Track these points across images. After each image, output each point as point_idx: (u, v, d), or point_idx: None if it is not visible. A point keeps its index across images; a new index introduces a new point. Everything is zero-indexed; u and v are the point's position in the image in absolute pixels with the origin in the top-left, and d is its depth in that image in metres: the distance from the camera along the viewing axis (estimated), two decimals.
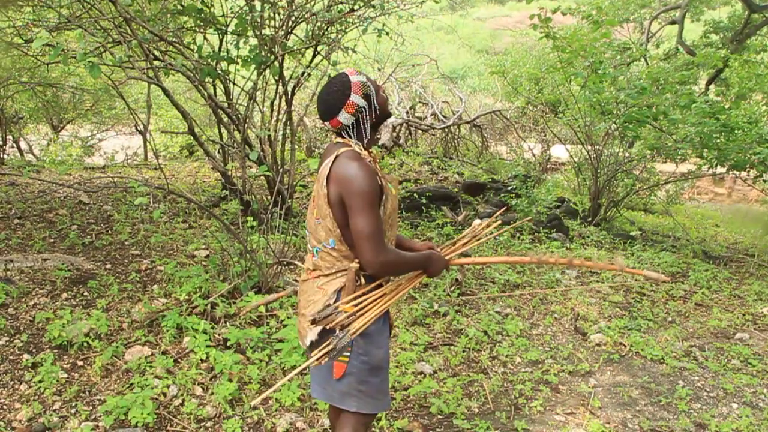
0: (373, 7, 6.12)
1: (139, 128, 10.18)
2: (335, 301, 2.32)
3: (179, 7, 5.99)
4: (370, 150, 2.42)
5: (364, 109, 2.32)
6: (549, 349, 4.79)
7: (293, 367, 3.99)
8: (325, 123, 2.39)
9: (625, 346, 4.89)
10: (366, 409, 2.39)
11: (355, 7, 6.13)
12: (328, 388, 2.40)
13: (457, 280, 5.75)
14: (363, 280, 2.34)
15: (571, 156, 11.24)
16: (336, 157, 2.28)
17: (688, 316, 5.74)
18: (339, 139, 2.38)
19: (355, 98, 2.29)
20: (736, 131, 7.64)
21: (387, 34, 6.45)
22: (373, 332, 2.34)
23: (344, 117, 2.31)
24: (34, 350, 3.99)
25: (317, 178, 2.36)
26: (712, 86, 13.22)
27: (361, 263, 2.28)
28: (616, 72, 8.29)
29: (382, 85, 2.48)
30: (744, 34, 13.03)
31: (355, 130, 2.36)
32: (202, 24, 5.90)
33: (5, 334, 4.12)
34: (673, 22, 14.32)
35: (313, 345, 2.34)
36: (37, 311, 4.42)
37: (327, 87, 2.35)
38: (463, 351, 4.57)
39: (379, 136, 11.60)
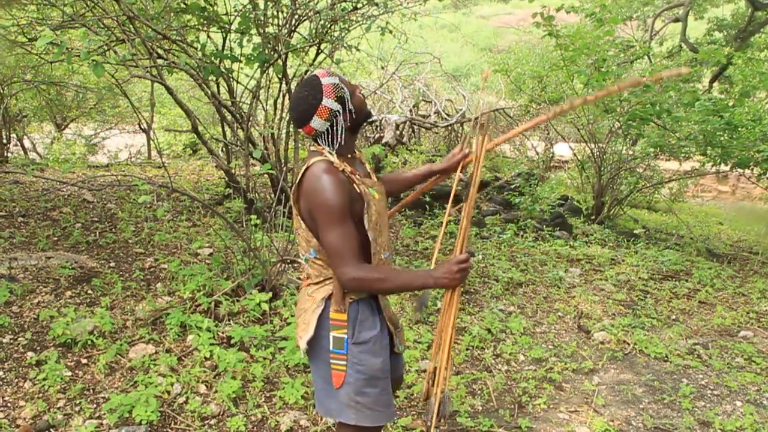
0: (377, 5, 6.11)
1: (142, 126, 10.22)
2: (324, 309, 2.23)
3: (183, 5, 5.99)
4: (351, 153, 2.30)
5: (339, 112, 2.18)
6: (552, 347, 4.79)
7: (297, 365, 4.01)
8: (300, 130, 2.26)
9: (628, 344, 4.89)
10: (366, 422, 2.25)
11: (359, 6, 6.13)
12: (327, 401, 2.29)
13: None
14: None
15: (575, 154, 11.23)
16: (306, 168, 2.17)
17: (692, 314, 5.73)
18: (314, 147, 2.25)
19: (328, 102, 2.15)
20: (739, 129, 7.62)
21: (390, 32, 6.44)
22: (368, 340, 2.23)
23: (318, 123, 2.17)
24: (38, 348, 4.00)
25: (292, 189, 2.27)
26: (715, 84, 13.18)
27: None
28: (619, 70, 8.29)
29: (358, 86, 2.34)
30: (748, 32, 13.00)
31: (330, 135, 2.21)
32: (205, 22, 5.90)
33: (9, 332, 4.13)
34: (676, 20, 14.26)
35: (308, 353, 2.30)
36: (41, 309, 4.43)
37: (297, 92, 2.22)
38: (467, 349, 4.57)
39: (384, 135, 11.58)
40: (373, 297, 2.32)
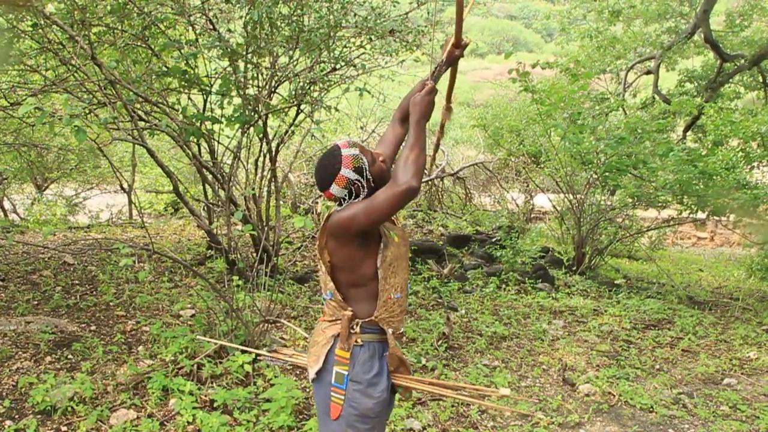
0: (355, 66, 6.24)
1: (124, 187, 10.23)
2: (332, 346, 2.40)
3: (164, 68, 6.09)
4: None
5: (357, 181, 2.33)
6: (538, 401, 4.77)
7: (281, 428, 3.95)
8: (322, 193, 2.42)
9: (614, 395, 4.88)
10: None
11: (337, 67, 6.25)
12: (323, 427, 2.45)
13: (444, 333, 5.75)
14: (358, 329, 2.38)
15: (554, 205, 11.36)
16: (329, 216, 2.37)
17: (676, 362, 5.75)
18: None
19: (346, 172, 2.30)
20: (714, 177, 7.78)
21: (368, 92, 6.57)
22: (362, 381, 2.35)
23: (336, 190, 2.33)
24: (16, 416, 3.93)
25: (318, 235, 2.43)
26: (689, 133, 13.47)
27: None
28: (594, 122, 8.46)
29: (379, 153, 2.48)
30: (717, 82, 13.34)
31: (349, 200, 2.35)
32: (186, 85, 5.98)
33: None
34: (648, 72, 14.66)
35: (314, 382, 2.45)
36: (20, 376, 4.36)
37: (320, 160, 2.38)
38: (452, 406, 4.54)
39: None
40: (380, 341, 2.43)
